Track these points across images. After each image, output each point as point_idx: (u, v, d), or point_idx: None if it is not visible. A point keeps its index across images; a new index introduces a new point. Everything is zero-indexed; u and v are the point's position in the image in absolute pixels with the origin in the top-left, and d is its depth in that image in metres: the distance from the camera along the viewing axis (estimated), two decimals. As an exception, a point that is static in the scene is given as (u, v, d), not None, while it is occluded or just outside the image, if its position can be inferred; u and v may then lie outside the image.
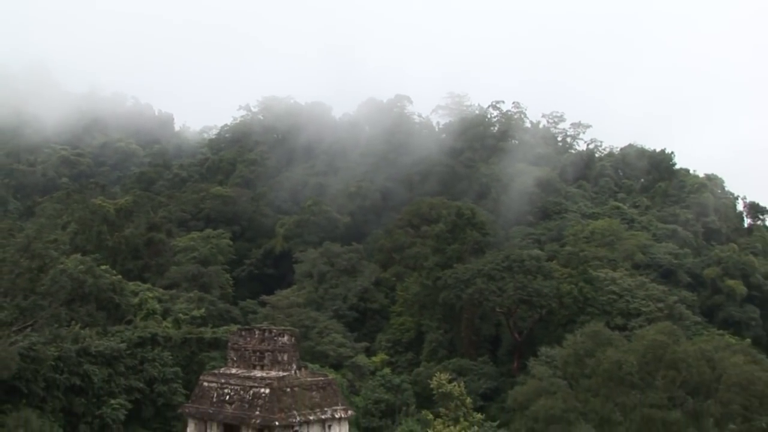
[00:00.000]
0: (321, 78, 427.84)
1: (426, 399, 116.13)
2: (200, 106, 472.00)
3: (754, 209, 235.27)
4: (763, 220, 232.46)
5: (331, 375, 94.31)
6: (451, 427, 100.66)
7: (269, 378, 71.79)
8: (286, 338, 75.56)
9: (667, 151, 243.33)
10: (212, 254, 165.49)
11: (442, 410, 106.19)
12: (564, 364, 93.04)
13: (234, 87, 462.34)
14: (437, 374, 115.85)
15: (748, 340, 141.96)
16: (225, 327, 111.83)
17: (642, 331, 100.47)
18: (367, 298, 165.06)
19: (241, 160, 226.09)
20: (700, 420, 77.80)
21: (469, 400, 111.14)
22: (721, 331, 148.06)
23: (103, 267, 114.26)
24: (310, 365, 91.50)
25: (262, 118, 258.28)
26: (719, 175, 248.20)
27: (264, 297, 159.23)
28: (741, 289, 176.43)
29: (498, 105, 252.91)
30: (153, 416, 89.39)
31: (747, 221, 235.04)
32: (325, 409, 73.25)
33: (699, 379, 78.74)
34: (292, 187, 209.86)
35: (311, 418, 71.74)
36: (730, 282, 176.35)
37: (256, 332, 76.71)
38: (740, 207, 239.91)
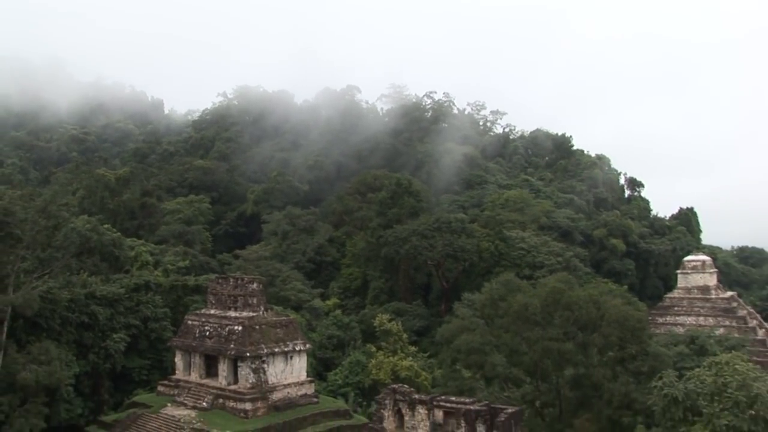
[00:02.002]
0: (286, 70, 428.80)
1: (370, 335, 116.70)
2: (186, 92, 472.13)
3: (633, 183, 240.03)
4: (639, 192, 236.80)
5: (292, 315, 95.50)
6: (390, 358, 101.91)
7: (241, 317, 72.77)
8: (255, 285, 76.50)
9: (567, 135, 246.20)
10: (195, 216, 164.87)
11: (383, 344, 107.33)
12: (482, 306, 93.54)
13: (214, 77, 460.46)
14: (379, 315, 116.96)
15: (626, 287, 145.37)
16: (205, 276, 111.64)
17: (544, 280, 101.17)
18: (322, 252, 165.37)
19: (219, 138, 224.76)
20: (587, 349, 79.07)
21: (405, 335, 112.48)
22: (605, 280, 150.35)
23: (106, 226, 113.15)
24: (275, 307, 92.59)
25: (236, 103, 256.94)
26: (607, 155, 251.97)
27: (237, 251, 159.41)
28: (621, 246, 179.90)
29: (431, 95, 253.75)
30: (147, 348, 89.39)
31: (627, 192, 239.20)
32: (288, 343, 74.44)
33: (587, 318, 79.60)
34: (261, 160, 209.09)
35: (276, 350, 72.89)
36: (614, 241, 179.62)
37: (231, 280, 77.70)
38: (622, 181, 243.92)
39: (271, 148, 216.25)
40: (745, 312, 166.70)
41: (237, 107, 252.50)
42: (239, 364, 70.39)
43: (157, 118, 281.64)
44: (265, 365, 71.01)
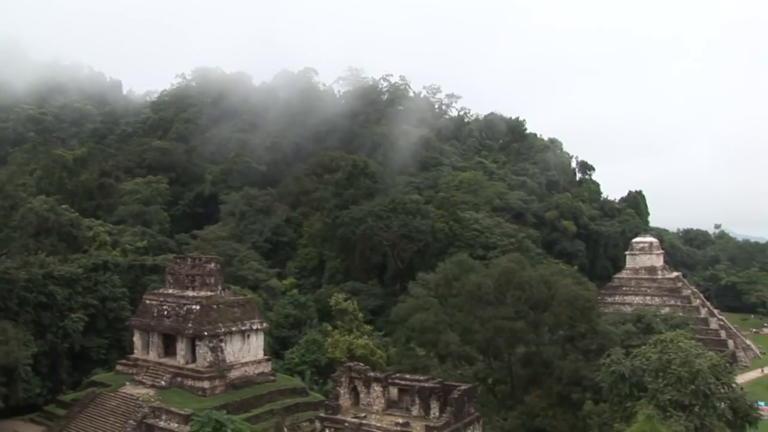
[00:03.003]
0: (244, 52, 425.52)
1: (326, 314, 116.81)
2: (144, 73, 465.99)
3: (584, 166, 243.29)
4: (590, 175, 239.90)
5: (250, 295, 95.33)
6: (346, 336, 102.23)
7: (199, 297, 72.61)
8: (212, 265, 76.33)
9: (520, 119, 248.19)
10: (153, 196, 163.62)
11: (338, 323, 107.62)
12: (436, 286, 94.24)
13: (173, 58, 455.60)
14: (335, 294, 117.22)
15: (576, 267, 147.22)
16: (163, 255, 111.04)
17: (497, 260, 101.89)
18: (279, 232, 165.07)
19: (177, 119, 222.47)
20: (538, 328, 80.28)
21: (360, 314, 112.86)
22: (556, 260, 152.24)
23: (63, 206, 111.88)
24: (232, 287, 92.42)
25: (195, 84, 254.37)
26: (559, 139, 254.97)
27: (195, 231, 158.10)
28: (572, 228, 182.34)
29: (388, 78, 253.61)
30: (105, 327, 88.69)
31: (578, 175, 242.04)
32: (245, 322, 74.47)
33: (538, 297, 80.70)
34: (219, 141, 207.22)
35: (233, 329, 72.92)
36: (565, 222, 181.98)
37: (189, 260, 77.37)
38: (574, 164, 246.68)
39: (229, 129, 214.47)
40: (689, 292, 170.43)
41: (195, 89, 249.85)
42: (197, 343, 70.30)
43: (115, 99, 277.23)
44: (223, 344, 71.02)
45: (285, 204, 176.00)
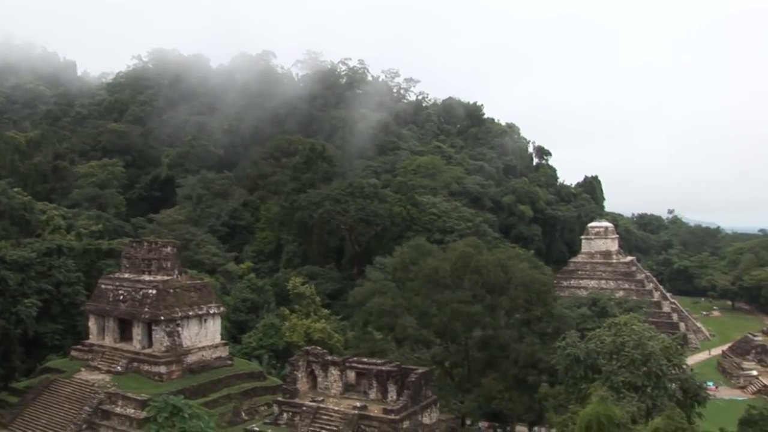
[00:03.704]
0: (201, 34, 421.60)
1: (284, 298, 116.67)
2: (100, 54, 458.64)
3: (541, 151, 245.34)
4: (547, 160, 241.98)
5: (207, 279, 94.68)
6: (304, 320, 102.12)
7: (155, 281, 72.01)
8: (169, 249, 75.72)
9: (478, 104, 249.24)
10: (108, 179, 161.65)
11: (296, 307, 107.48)
12: (393, 269, 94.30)
13: (129, 39, 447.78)
14: (293, 278, 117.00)
15: (532, 251, 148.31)
16: (119, 239, 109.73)
17: (454, 244, 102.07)
18: (236, 216, 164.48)
19: (133, 101, 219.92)
20: (495, 311, 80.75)
21: (318, 298, 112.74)
22: (513, 244, 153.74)
23: (16, 189, 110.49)
24: (189, 271, 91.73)
25: (152, 66, 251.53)
26: (517, 124, 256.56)
27: (151, 215, 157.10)
28: (529, 212, 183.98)
29: (346, 61, 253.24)
30: (60, 313, 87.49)
31: (535, 160, 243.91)
32: (202, 306, 74.06)
33: (495, 281, 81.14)
34: (176, 124, 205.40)
35: (190, 313, 72.49)
36: (522, 207, 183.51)
37: (145, 244, 76.63)
38: (531, 149, 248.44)
39: (186, 112, 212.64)
40: (643, 276, 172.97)
41: (152, 71, 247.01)
42: (153, 327, 69.79)
43: (69, 80, 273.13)
44: (180, 328, 70.58)
45: (242, 188, 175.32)
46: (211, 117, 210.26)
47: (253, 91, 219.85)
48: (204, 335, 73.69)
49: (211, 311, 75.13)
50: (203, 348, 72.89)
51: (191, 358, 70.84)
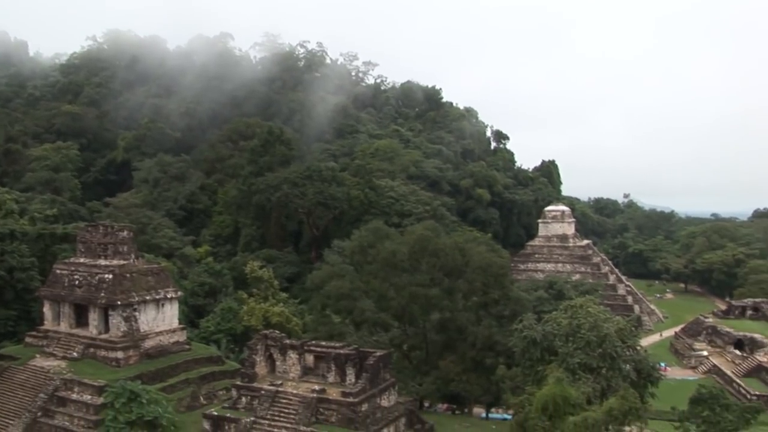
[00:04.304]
0: (157, 15, 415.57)
1: (241, 282, 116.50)
2: (53, 34, 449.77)
3: (499, 135, 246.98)
4: (505, 144, 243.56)
5: (164, 263, 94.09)
6: (262, 304, 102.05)
7: (112, 266, 71.31)
8: (125, 233, 75.00)
9: (437, 87, 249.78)
10: (63, 163, 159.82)
11: (254, 291, 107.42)
12: (351, 253, 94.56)
13: (83, 20, 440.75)
14: (251, 262, 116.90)
15: (490, 235, 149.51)
16: (74, 224, 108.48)
17: (412, 228, 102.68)
18: (194, 200, 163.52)
19: (88, 83, 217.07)
20: (452, 294, 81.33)
21: (276, 282, 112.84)
22: (470, 228, 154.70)
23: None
24: (146, 255, 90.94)
25: (107, 47, 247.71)
26: (475, 108, 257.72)
27: (107, 199, 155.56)
28: (486, 196, 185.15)
29: (305, 44, 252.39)
30: (13, 299, 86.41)
31: (493, 144, 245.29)
32: (159, 290, 73.55)
33: (453, 264, 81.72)
34: (132, 107, 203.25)
35: (147, 298, 71.97)
36: (479, 191, 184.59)
37: (101, 228, 75.77)
38: (489, 133, 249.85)
39: (143, 94, 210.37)
40: (599, 259, 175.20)
41: (107, 52, 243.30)
42: (110, 312, 69.13)
43: (21, 61, 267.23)
44: (137, 313, 70.05)
45: (200, 171, 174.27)
46: (168, 99, 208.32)
47: (210, 73, 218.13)
48: (161, 320, 73.22)
49: (169, 296, 74.65)
50: (161, 333, 72.42)
51: (148, 343, 70.38)
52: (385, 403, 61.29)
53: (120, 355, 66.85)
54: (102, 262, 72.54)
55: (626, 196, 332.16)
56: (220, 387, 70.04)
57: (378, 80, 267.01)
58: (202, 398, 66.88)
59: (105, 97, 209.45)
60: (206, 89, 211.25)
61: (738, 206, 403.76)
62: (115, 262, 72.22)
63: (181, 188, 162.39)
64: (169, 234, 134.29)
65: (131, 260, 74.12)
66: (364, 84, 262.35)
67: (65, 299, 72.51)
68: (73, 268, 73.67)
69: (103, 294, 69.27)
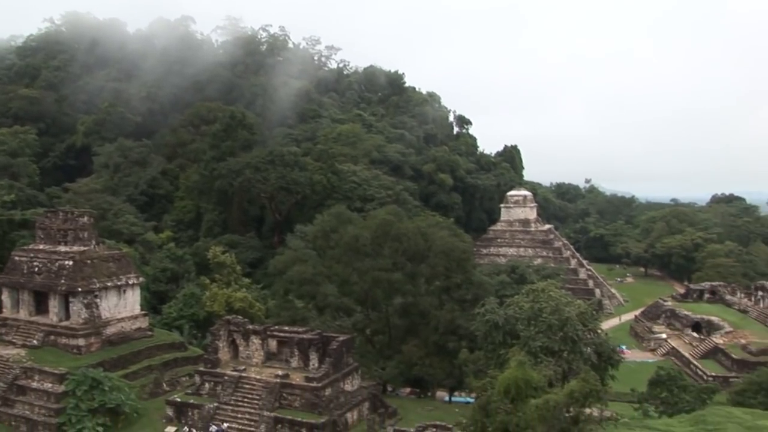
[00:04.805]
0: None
1: (204, 267, 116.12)
2: (7, 16, 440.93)
3: (461, 120, 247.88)
4: (467, 129, 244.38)
5: (125, 249, 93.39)
6: (224, 290, 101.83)
7: (72, 252, 70.65)
8: (85, 219, 74.28)
9: (399, 72, 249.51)
10: (20, 147, 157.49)
11: (217, 276, 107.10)
12: (314, 238, 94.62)
13: (40, 1, 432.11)
14: (213, 247, 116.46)
15: (452, 219, 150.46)
16: (33, 210, 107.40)
17: (374, 212, 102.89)
18: (155, 185, 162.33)
19: (46, 66, 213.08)
20: (415, 279, 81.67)
21: (238, 267, 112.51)
22: (433, 213, 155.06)
23: None
24: (107, 241, 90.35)
25: (65, 30, 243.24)
26: (437, 93, 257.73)
27: (67, 184, 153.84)
28: (449, 181, 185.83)
29: (267, 28, 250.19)
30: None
31: (456, 129, 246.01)
32: (120, 276, 73.05)
33: (415, 249, 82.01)
34: (91, 90, 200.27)
35: (108, 284, 71.43)
36: (442, 175, 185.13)
37: (60, 214, 74.94)
38: (451, 118, 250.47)
39: (102, 78, 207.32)
40: (560, 243, 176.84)
41: (66, 34, 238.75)
42: (71, 299, 68.56)
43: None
44: (98, 300, 69.55)
45: (161, 156, 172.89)
46: (128, 83, 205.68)
47: (172, 57, 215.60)
48: (123, 306, 72.78)
49: (130, 282, 74.18)
50: (122, 319, 72.01)
51: (110, 330, 69.96)
52: (348, 387, 61.59)
53: (81, 342, 66.38)
54: (62, 248, 71.82)
55: (588, 181, 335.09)
56: (183, 373, 69.90)
57: (341, 65, 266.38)
58: (164, 385, 66.72)
59: (63, 80, 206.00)
60: (167, 73, 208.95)
61: (697, 192, 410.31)
62: (75, 248, 71.55)
63: (142, 173, 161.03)
64: (130, 219, 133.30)
65: (92, 246, 73.46)
66: (326, 68, 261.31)
67: (24, 286, 71.73)
68: (32, 255, 72.86)
69: (63, 281, 68.63)
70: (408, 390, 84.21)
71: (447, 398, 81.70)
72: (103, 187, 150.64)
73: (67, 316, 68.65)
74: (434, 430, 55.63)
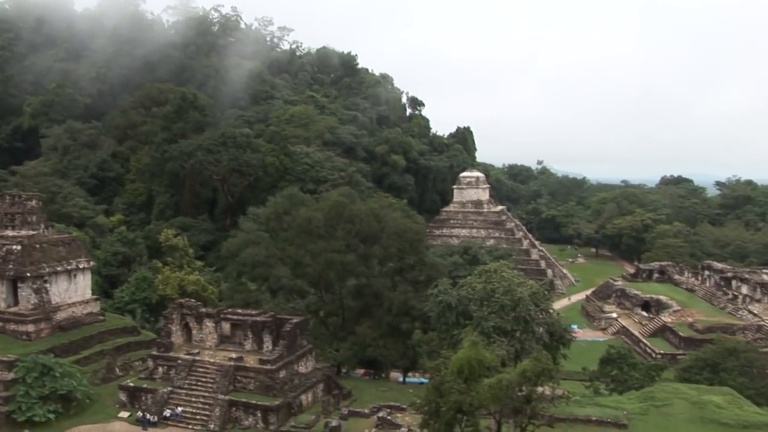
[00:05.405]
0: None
1: (156, 251, 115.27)
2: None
3: (414, 102, 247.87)
4: (420, 110, 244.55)
5: (75, 233, 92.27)
6: (177, 273, 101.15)
7: (20, 236, 69.52)
8: (34, 202, 73.14)
9: (352, 54, 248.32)
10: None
11: (169, 259, 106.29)
12: (267, 220, 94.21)
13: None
14: (165, 230, 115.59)
15: (405, 201, 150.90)
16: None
17: (327, 194, 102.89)
18: (105, 167, 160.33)
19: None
20: (368, 260, 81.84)
21: (191, 250, 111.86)
22: (386, 194, 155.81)
23: None
24: (56, 225, 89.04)
25: (9, 8, 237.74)
26: (390, 74, 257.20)
27: (14, 167, 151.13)
28: (402, 162, 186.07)
29: (218, 8, 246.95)
30: None
31: (408, 111, 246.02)
32: (71, 261, 72.07)
33: (369, 230, 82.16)
34: (38, 71, 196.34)
35: (58, 269, 70.45)
36: (395, 157, 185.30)
37: (7, 198, 73.59)
38: (404, 100, 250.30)
39: (50, 58, 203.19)
40: (513, 224, 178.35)
41: (10, 12, 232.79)
42: (19, 285, 67.47)
43: None
44: (48, 285, 68.59)
45: (111, 138, 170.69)
46: (77, 64, 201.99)
47: (122, 37, 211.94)
48: (74, 291, 71.89)
49: (81, 266, 73.25)
50: (73, 304, 71.13)
51: (61, 315, 69.08)
52: (302, 369, 61.67)
53: (30, 328, 65.44)
54: (9, 232, 70.60)
55: (540, 162, 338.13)
56: (136, 358, 69.37)
57: (293, 46, 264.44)
58: (117, 370, 66.10)
59: (9, 60, 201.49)
60: (117, 54, 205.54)
61: (647, 174, 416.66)
62: (23, 232, 70.41)
63: (92, 156, 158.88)
64: (80, 203, 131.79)
65: (41, 230, 72.36)
66: (279, 49, 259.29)
67: (-29, 272, 70.46)
68: (-22, 240, 71.54)
69: (11, 266, 67.48)
70: (362, 371, 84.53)
71: (401, 379, 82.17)
72: (52, 170, 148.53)
73: (16, 302, 67.60)
74: (388, 410, 56.00)
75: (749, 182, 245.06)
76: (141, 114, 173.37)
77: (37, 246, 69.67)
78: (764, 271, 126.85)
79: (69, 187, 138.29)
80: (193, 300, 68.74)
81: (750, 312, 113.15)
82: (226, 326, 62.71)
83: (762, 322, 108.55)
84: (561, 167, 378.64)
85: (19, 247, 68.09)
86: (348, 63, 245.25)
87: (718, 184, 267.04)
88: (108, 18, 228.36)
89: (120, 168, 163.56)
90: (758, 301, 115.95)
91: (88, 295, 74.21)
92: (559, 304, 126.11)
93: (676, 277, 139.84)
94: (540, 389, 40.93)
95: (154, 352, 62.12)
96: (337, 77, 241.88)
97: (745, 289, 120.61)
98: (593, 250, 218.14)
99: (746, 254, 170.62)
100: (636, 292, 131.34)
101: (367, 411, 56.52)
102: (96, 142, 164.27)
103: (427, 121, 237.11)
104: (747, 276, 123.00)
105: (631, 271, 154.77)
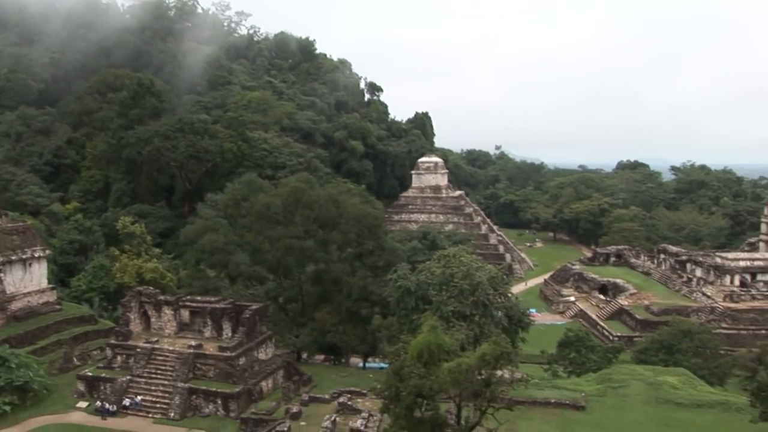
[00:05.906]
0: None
1: (113, 238, 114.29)
2: None
3: (373, 87, 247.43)
4: (379, 96, 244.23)
5: (30, 221, 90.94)
6: (135, 260, 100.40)
7: (-27, 224, 68.35)
8: (-13, 190, 71.85)
9: (310, 39, 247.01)
10: None
11: (126, 247, 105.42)
12: (225, 206, 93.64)
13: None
14: (122, 218, 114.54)
15: (364, 186, 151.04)
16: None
17: (286, 180, 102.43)
18: (61, 154, 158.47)
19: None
20: (327, 246, 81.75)
21: (149, 238, 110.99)
22: (344, 180, 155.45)
23: None
24: (10, 213, 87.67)
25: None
26: (349, 60, 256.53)
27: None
28: (360, 148, 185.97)
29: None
30: None
31: (367, 96, 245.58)
32: (26, 250, 71.17)
33: (327, 216, 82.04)
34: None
35: (13, 258, 69.52)
36: (353, 142, 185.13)
37: (-40, 185, 72.26)
38: (362, 85, 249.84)
39: (1, 42, 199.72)
40: (471, 209, 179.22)
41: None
42: (-28, 273, 66.66)
43: None
44: (2, 274, 67.71)
45: (66, 124, 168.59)
46: (29, 48, 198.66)
47: (76, 21, 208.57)
48: (29, 280, 71.04)
49: (36, 255, 72.34)
50: (29, 294, 70.32)
51: (16, 305, 68.25)
52: (262, 356, 61.57)
53: (-15, 318, 64.60)
54: (-38, 221, 69.55)
55: (498, 148, 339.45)
56: (94, 347, 68.82)
57: (251, 31, 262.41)
58: (75, 359, 65.47)
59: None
60: (72, 38, 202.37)
61: (603, 158, 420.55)
62: (-24, 221, 69.38)
63: (46, 142, 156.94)
64: (34, 191, 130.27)
65: (-6, 219, 71.35)
66: (236, 35, 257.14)
67: None
68: (-70, 229, 70.33)
69: (-36, 255, 66.51)
70: (322, 357, 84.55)
71: (361, 364, 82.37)
72: (5, 158, 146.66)
73: (-30, 292, 66.65)
74: (349, 396, 56.14)
75: (703, 167, 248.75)
76: (96, 100, 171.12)
77: (-9, 235, 68.69)
78: (717, 254, 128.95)
79: (23, 175, 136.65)
80: (151, 288, 68.23)
81: (704, 294, 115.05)
82: (185, 314, 62.36)
83: (715, 304, 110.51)
84: (519, 152, 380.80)
85: (-28, 236, 67.08)
86: (306, 48, 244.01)
87: (673, 168, 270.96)
88: (61, 1, 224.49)
89: (75, 155, 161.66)
90: (711, 283, 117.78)
91: (44, 284, 73.39)
92: (517, 289, 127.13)
93: (633, 260, 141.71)
94: (499, 373, 41.22)
95: (113, 341, 61.60)
96: (295, 63, 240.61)
97: (699, 272, 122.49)
98: (551, 234, 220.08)
99: (700, 238, 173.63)
100: (593, 275, 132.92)
101: (327, 397, 56.60)
102: (50, 128, 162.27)
103: (385, 106, 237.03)
104: (701, 259, 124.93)
105: (589, 255, 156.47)
